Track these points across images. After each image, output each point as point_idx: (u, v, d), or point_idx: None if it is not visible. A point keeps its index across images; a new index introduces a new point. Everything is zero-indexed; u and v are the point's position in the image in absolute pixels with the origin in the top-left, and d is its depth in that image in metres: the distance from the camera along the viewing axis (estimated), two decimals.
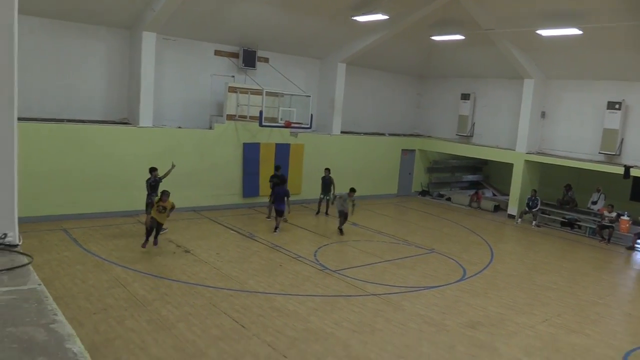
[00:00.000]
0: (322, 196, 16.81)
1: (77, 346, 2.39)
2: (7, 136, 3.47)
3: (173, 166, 13.10)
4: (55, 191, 13.55)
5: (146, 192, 12.92)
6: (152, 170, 12.97)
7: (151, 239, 11.85)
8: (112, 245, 11.94)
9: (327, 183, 16.72)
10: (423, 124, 23.00)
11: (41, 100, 13.94)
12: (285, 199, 14.32)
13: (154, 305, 8.73)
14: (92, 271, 10.19)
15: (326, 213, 16.87)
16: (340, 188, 17.44)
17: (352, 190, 14.41)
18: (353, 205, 14.41)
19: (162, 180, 12.98)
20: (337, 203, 14.46)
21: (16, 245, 3.58)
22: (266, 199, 16.01)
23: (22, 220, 3.68)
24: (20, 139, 3.60)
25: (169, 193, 11.67)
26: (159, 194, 11.97)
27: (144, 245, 11.66)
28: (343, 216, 14.31)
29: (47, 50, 13.94)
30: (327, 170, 16.85)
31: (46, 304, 2.83)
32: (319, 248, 13.07)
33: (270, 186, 15.54)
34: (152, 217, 11.66)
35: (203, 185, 16.12)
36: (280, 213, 14.27)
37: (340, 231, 14.22)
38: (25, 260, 3.40)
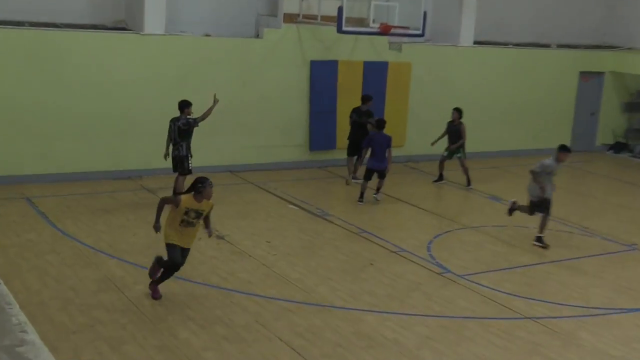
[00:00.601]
0: (445, 153, 16.56)
1: None
2: None
3: (216, 101, 13.37)
4: (12, 138, 14.09)
5: (171, 142, 13.16)
6: (184, 106, 13.15)
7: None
8: (102, 225, 12.32)
9: (455, 132, 16.47)
10: (618, 28, 22.35)
11: None
12: (387, 151, 14.53)
13: (167, 323, 8.93)
14: (70, 265, 10.53)
15: (468, 183, 16.63)
16: (474, 138, 17.05)
17: (564, 149, 12.77)
18: None
19: (199, 123, 13.22)
20: (537, 183, 12.54)
21: None
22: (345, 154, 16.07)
23: None
24: None
25: (212, 184, 9.38)
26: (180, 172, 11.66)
27: (154, 295, 9.54)
28: (546, 208, 12.65)
29: None
30: (458, 112, 16.49)
31: (10, 315, 2.92)
32: (435, 237, 13.03)
33: (349, 124, 15.73)
34: (171, 243, 9.31)
35: (245, 132, 16.35)
36: (383, 175, 14.58)
37: (539, 240, 12.83)
38: None
